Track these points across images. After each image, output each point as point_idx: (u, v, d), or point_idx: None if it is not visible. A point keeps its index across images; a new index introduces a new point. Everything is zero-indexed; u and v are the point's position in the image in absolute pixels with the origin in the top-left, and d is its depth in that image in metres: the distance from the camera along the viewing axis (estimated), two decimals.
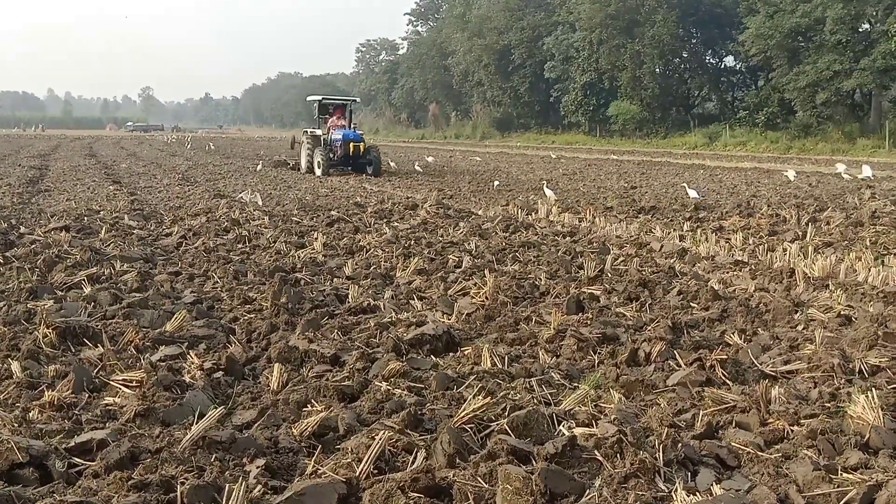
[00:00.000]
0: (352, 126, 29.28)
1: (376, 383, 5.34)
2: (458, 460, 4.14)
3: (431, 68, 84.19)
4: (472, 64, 73.41)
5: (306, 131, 30.20)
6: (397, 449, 4.28)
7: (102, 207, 15.85)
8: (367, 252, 10.89)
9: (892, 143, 35.77)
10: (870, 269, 9.02)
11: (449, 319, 7.20)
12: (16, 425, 4.41)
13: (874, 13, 39.48)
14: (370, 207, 16.10)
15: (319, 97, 30.69)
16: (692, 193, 17.76)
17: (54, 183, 22.26)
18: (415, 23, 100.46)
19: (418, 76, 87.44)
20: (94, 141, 58.84)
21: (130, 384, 5.22)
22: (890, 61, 36.50)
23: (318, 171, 26.74)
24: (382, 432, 4.28)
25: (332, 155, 27.40)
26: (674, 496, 3.60)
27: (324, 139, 28.11)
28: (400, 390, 5.20)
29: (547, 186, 19.86)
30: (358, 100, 35.43)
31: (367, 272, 9.45)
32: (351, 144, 26.94)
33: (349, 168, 27.75)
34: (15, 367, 5.54)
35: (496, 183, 23.05)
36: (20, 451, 3.92)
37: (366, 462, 4.02)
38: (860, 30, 40.51)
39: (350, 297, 8.04)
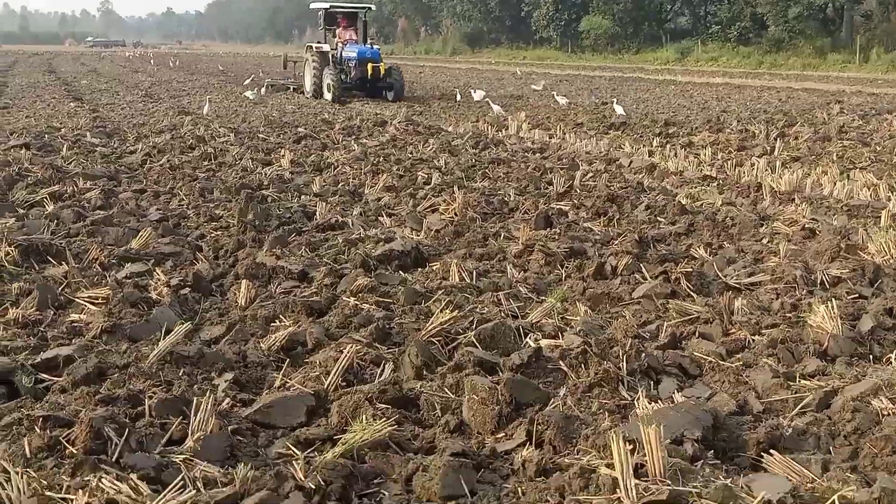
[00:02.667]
0: (367, 42, 24.29)
1: (344, 299, 5.35)
2: (425, 372, 4.20)
3: None
4: None
5: (310, 46, 24.69)
6: (365, 362, 4.33)
7: (63, 125, 15.47)
8: (335, 169, 10.79)
9: (863, 58, 35.67)
10: (835, 184, 9.10)
11: (418, 236, 7.21)
12: None
13: None
14: (338, 124, 15.90)
15: (326, 4, 24.64)
16: (619, 110, 17.54)
17: (12, 100, 21.67)
18: None
19: None
20: (53, 57, 57.11)
21: (96, 301, 5.21)
22: None
23: (329, 96, 22.29)
24: (350, 346, 4.32)
25: (344, 76, 22.91)
26: (636, 404, 3.67)
27: (333, 57, 23.46)
28: (368, 305, 5.22)
29: (485, 98, 21.42)
30: (373, 7, 28.42)
31: (336, 189, 9.39)
32: (369, 65, 22.41)
33: (364, 93, 23.53)
34: None
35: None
36: None
37: (334, 374, 4.07)
38: None
39: (318, 213, 7.98)
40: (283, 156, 11.43)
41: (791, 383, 3.98)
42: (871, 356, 4.37)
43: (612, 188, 9.17)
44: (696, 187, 9.41)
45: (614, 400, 3.80)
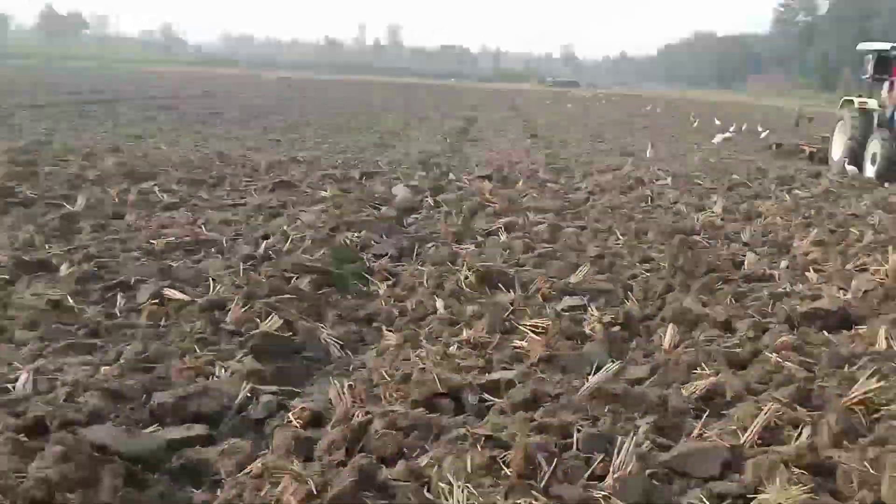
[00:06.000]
0: None
1: (766, 353, 5.29)
2: (844, 441, 4.03)
3: (850, 30, 76.53)
4: None
5: (850, 101, 17.87)
6: (783, 422, 4.24)
7: (521, 160, 16.80)
8: (765, 219, 10.58)
9: None
10: None
11: (845, 295, 6.83)
12: (438, 358, 4.98)
13: None
14: (772, 172, 15.41)
15: (881, 44, 17.62)
16: None
17: (479, 133, 23.95)
18: None
19: (836, 39, 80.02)
20: (517, 94, 61.86)
21: (537, 329, 5.58)
22: None
23: (870, 172, 15.79)
24: (770, 404, 4.28)
25: None
26: None
27: (880, 116, 16.51)
28: (790, 363, 5.12)
29: None
30: None
31: (765, 240, 9.24)
32: None
33: None
34: (439, 304, 6.29)
35: None
36: (441, 383, 4.47)
37: (751, 432, 4.06)
38: None
39: (746, 263, 7.92)
40: (716, 202, 11.40)
41: None
42: None
43: None
44: None
45: None
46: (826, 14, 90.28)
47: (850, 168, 16.36)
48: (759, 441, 4.04)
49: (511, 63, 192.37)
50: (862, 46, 18.61)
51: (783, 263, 8.08)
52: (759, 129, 27.48)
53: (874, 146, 15.85)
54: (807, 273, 7.72)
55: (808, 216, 10.77)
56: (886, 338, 5.54)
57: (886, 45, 17.03)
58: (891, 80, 16.66)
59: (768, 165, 16.97)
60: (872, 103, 16.93)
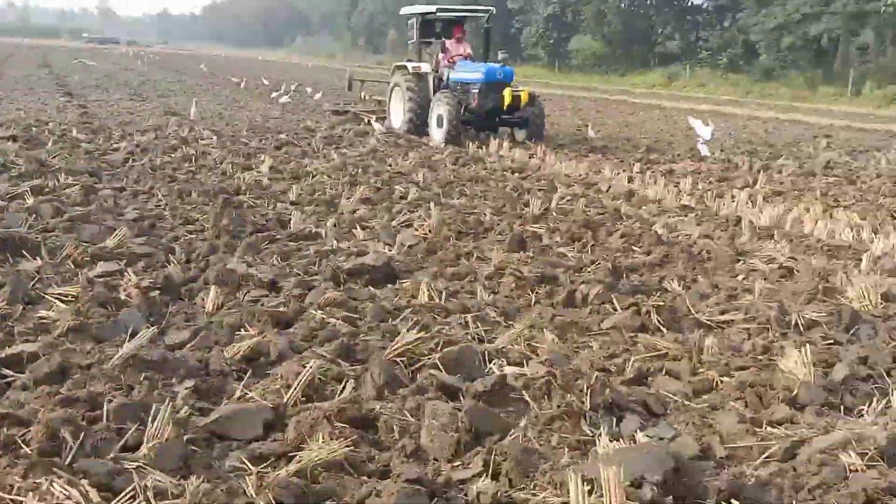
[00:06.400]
0: (498, 58, 16.27)
1: (312, 311, 5.36)
2: (386, 393, 4.18)
3: None
4: None
5: (402, 66, 17.28)
6: (327, 378, 4.31)
7: (52, 119, 15.53)
8: (313, 178, 10.81)
9: (855, 91, 35.84)
10: (817, 222, 9.09)
11: (390, 251, 7.19)
12: None
13: None
14: (320, 132, 15.91)
15: (429, 7, 16.82)
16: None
17: (5, 92, 21.75)
18: None
19: (380, 1, 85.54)
20: (50, 51, 56.90)
21: (66, 298, 5.27)
22: (862, 6, 36.16)
23: (439, 135, 15.55)
24: (313, 360, 4.32)
25: (465, 107, 15.76)
26: (597, 441, 3.65)
27: (436, 78, 16.54)
28: (335, 319, 5.23)
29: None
30: (493, 11, 18.09)
31: (312, 198, 9.40)
32: (506, 91, 15.36)
33: (488, 130, 16.51)
34: None
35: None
36: None
37: (294, 389, 4.06)
38: None
39: (292, 222, 8.01)
40: (263, 161, 11.42)
41: (757, 430, 3.92)
42: (842, 407, 4.29)
43: (588, 213, 9.19)
44: (673, 217, 9.43)
45: (575, 435, 3.77)
46: None
47: (377, 125, 17.09)
48: (304, 398, 4.05)
49: (42, 18, 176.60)
50: (406, 10, 17.83)
51: (330, 221, 8.27)
52: (309, 90, 28.07)
53: (439, 109, 15.67)
54: (353, 230, 7.99)
55: (355, 174, 11.15)
56: (428, 290, 5.87)
57: (431, 8, 16.68)
58: (442, 42, 16.83)
59: (317, 125, 17.37)
60: (426, 67, 16.71)
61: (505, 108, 15.46)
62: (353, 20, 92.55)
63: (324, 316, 5.25)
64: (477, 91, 15.53)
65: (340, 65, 65.62)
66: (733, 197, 10.54)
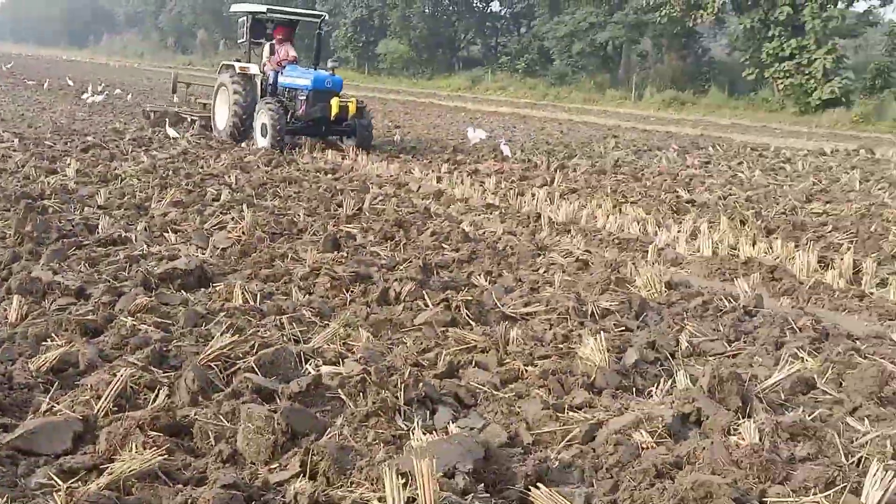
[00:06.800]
0: (327, 66, 16.31)
1: (122, 318, 5.19)
2: (201, 398, 4.10)
3: None
4: None
5: (230, 65, 16.43)
6: (140, 386, 4.19)
7: None
8: (122, 181, 10.39)
9: (638, 95, 38.29)
10: (608, 216, 9.69)
11: (203, 254, 7.05)
12: None
13: None
14: (129, 134, 15.25)
15: (259, 7, 16.17)
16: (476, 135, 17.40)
17: None
18: None
19: (187, 1, 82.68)
20: None
21: None
22: (641, 16, 38.74)
23: (264, 141, 14.84)
24: (124, 369, 4.18)
25: (291, 114, 15.30)
26: (411, 434, 3.74)
27: (263, 81, 15.91)
28: (146, 326, 5.08)
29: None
30: (326, 16, 18.01)
31: (121, 202, 9.03)
32: (334, 101, 14.83)
33: (315, 138, 16.20)
34: None
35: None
36: None
37: (105, 399, 3.92)
38: None
39: (100, 227, 7.70)
40: (69, 164, 10.84)
41: (560, 415, 4.13)
42: (634, 389, 4.61)
43: (400, 213, 9.34)
44: (479, 215, 9.76)
45: (391, 430, 3.85)
46: None
47: (171, 131, 15.88)
48: (115, 408, 3.92)
49: None
50: (236, 7, 17.08)
51: (140, 225, 8.01)
52: (118, 91, 26.73)
53: (263, 118, 14.95)
54: (165, 234, 7.76)
55: (166, 177, 10.81)
56: (242, 293, 5.79)
57: (262, 7, 16.06)
58: (270, 44, 16.20)
59: (125, 127, 16.58)
60: (254, 69, 16.00)
61: (333, 117, 14.92)
62: (162, 20, 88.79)
63: (135, 323, 5.10)
64: (304, 98, 15.08)
65: (149, 65, 62.98)
66: (533, 195, 11.03)
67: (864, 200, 11.70)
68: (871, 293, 7.04)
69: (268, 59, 16.05)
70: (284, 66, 15.84)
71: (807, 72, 31.14)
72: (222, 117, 16.24)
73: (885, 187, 13.26)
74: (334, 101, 14.74)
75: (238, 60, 16.43)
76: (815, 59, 30.79)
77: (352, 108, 15.03)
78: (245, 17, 16.27)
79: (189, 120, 17.62)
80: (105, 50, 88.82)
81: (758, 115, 32.19)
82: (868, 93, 31.61)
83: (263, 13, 15.98)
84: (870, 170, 15.75)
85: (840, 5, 31.87)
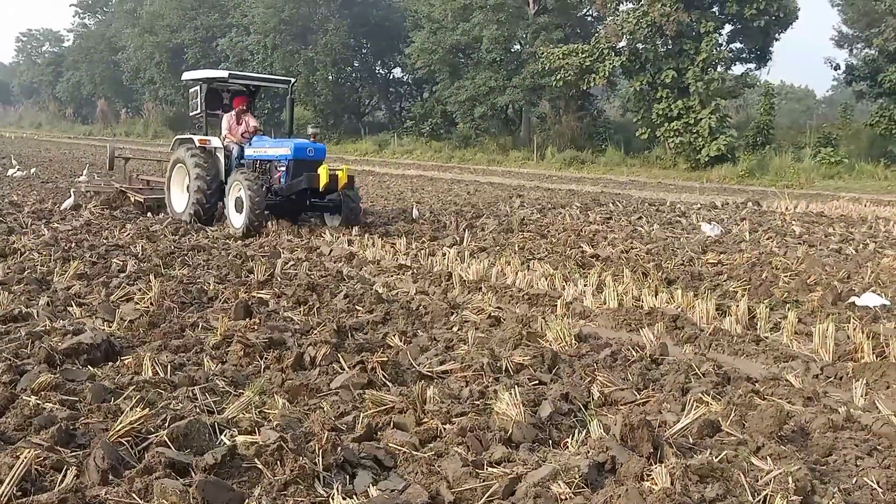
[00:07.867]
0: (307, 132, 14.67)
1: (24, 397, 4.98)
2: (112, 476, 3.98)
3: (100, 63, 78.50)
4: (144, 61, 69.63)
5: (188, 139, 14.64)
6: (46, 468, 4.03)
7: None
8: (21, 255, 10.08)
9: (539, 155, 39.27)
10: (517, 273, 9.89)
11: (110, 327, 6.88)
12: None
13: (524, 35, 43.00)
14: (27, 206, 14.85)
15: (214, 72, 15.48)
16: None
17: None
18: (81, 15, 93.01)
19: (86, 70, 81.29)
20: None
21: None
22: (538, 80, 39.95)
23: (239, 221, 13.29)
24: (28, 450, 4.02)
25: (267, 189, 13.73)
26: (331, 501, 3.73)
27: (230, 157, 14.43)
28: (51, 404, 4.90)
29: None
30: (294, 81, 16.16)
31: (21, 277, 8.73)
32: (323, 171, 13.18)
33: (295, 213, 14.59)
34: None
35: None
36: None
37: (8, 484, 3.75)
38: (512, 50, 43.87)
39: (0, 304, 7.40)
40: None
41: (480, 471, 4.16)
42: (550, 441, 4.69)
43: (312, 277, 9.33)
44: (392, 276, 9.83)
45: (310, 497, 3.81)
46: (73, 45, 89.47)
47: (68, 203, 14.96)
48: (19, 493, 3.76)
49: None
50: (189, 76, 15.59)
51: (43, 300, 7.75)
52: (16, 164, 25.27)
53: (237, 191, 13.35)
54: (69, 308, 7.54)
55: (69, 249, 10.53)
56: (152, 365, 5.68)
57: (223, 74, 14.92)
58: (233, 114, 14.74)
59: (23, 200, 16.11)
60: (216, 142, 14.45)
61: (322, 188, 13.19)
62: (59, 89, 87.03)
63: (38, 401, 4.90)
64: (284, 170, 13.59)
65: (47, 136, 61.37)
66: (444, 254, 11.16)
67: (755, 250, 12.31)
68: (766, 337, 7.38)
69: (229, 131, 14.61)
70: (250, 139, 14.50)
71: (694, 130, 33.03)
72: (180, 198, 14.70)
73: (772, 237, 14.00)
74: (322, 170, 13.10)
75: (193, 134, 14.83)
76: (701, 119, 32.72)
77: (342, 178, 13.29)
78: (199, 87, 14.92)
79: (133, 200, 15.92)
80: (2, 122, 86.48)
81: (653, 171, 33.65)
82: (751, 149, 33.53)
83: (224, 80, 14.82)
84: (758, 221, 16.58)
85: (720, 69, 33.86)
